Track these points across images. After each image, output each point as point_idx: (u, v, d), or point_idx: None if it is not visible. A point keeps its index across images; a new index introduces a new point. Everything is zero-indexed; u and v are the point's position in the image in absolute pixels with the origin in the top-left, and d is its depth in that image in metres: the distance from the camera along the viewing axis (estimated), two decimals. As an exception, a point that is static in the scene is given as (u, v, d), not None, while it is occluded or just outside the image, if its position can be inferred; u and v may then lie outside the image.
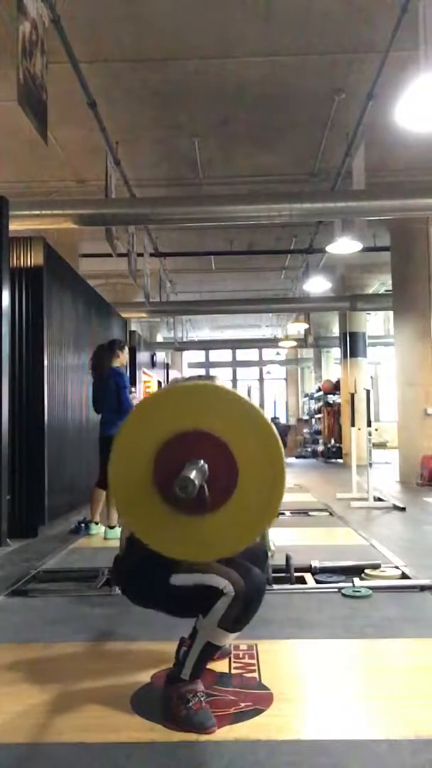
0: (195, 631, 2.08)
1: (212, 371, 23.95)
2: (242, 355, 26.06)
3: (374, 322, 18.83)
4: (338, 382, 16.21)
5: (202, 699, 2.04)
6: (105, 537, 5.34)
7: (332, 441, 16.39)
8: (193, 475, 1.75)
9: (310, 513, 6.72)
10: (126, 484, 1.92)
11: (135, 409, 2.02)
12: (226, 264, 12.68)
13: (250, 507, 1.89)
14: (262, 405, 25.17)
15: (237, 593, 1.97)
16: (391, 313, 11.71)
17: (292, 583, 3.60)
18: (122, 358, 5.67)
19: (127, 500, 1.94)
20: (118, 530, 4.81)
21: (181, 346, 19.39)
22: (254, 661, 2.53)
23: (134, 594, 2.29)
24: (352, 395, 9.53)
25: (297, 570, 3.73)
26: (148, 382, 14.54)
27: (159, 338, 19.87)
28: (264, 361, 25.26)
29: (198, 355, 25.78)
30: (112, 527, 5.34)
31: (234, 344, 23.63)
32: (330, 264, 12.02)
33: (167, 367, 17.12)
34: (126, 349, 5.78)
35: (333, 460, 15.93)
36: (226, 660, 2.53)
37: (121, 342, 5.91)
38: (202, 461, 1.84)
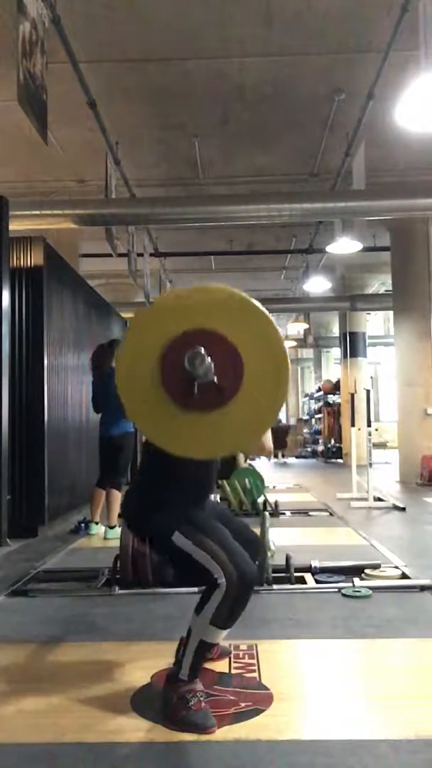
0: (189, 630, 2.09)
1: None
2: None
3: (374, 322, 18.83)
4: (338, 382, 16.22)
5: (201, 699, 2.04)
6: (105, 537, 5.34)
7: (332, 441, 16.39)
8: (207, 360, 1.80)
9: (310, 513, 6.72)
10: (133, 384, 1.94)
11: (142, 312, 2.05)
12: (226, 264, 12.67)
13: (254, 406, 1.91)
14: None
15: (228, 588, 1.99)
16: (391, 313, 11.71)
17: (292, 583, 3.60)
18: None
19: (134, 400, 1.95)
20: (118, 530, 4.81)
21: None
22: (254, 661, 2.53)
23: (137, 529, 2.32)
24: (352, 395, 9.52)
25: (297, 570, 3.73)
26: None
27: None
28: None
29: (198, 355, 25.71)
30: (112, 527, 5.34)
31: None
32: (330, 264, 12.02)
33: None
34: None
35: (333, 460, 15.93)
36: (226, 660, 2.53)
37: (121, 342, 5.93)
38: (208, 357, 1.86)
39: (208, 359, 1.81)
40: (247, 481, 6.61)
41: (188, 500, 2.23)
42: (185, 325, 1.90)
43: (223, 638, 2.13)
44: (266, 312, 1.96)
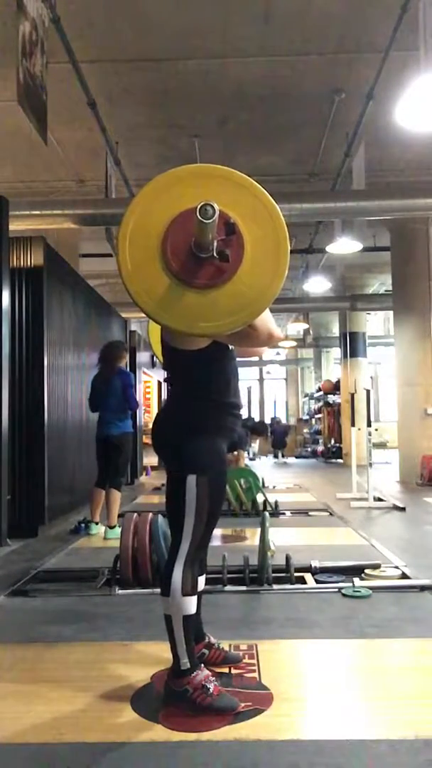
0: (165, 617, 2.12)
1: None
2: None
3: (374, 322, 18.82)
4: (338, 382, 16.22)
5: (216, 683, 2.11)
6: (105, 537, 5.34)
7: (332, 441, 16.39)
8: (210, 204, 1.79)
9: (310, 513, 6.72)
10: (137, 262, 1.93)
11: (145, 188, 2.01)
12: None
13: (254, 284, 1.93)
14: (262, 405, 25.20)
15: (188, 558, 2.11)
16: (391, 313, 11.71)
17: (292, 583, 3.60)
18: (125, 360, 5.80)
19: (139, 278, 1.94)
20: (118, 530, 4.81)
21: (181, 346, 19.33)
22: (254, 661, 2.53)
23: (161, 446, 2.32)
24: (352, 395, 9.53)
25: (297, 570, 3.73)
26: (148, 383, 14.54)
27: (159, 338, 19.84)
28: (264, 361, 25.25)
29: (198, 355, 25.70)
30: (112, 527, 5.34)
31: (234, 344, 23.57)
32: (330, 264, 12.02)
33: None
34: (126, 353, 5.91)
35: (333, 460, 15.93)
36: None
37: (124, 344, 6.00)
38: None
39: (217, 212, 1.79)
40: (243, 481, 6.62)
41: (226, 411, 2.24)
42: (180, 205, 1.91)
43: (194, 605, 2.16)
44: (265, 191, 1.98)
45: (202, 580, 2.35)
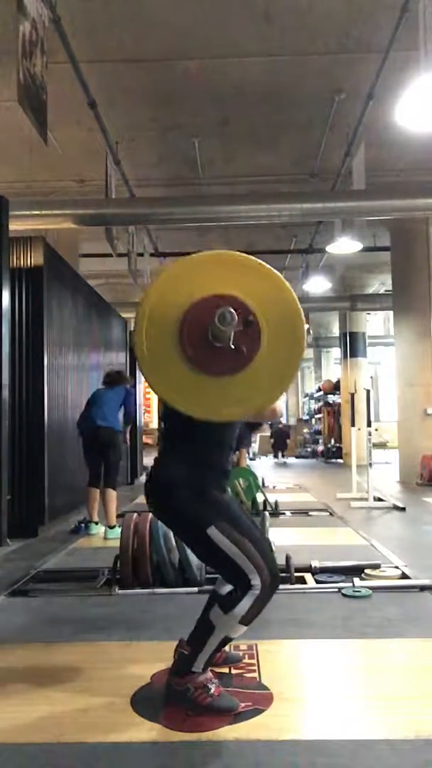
0: (209, 623, 2.09)
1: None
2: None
3: (374, 322, 18.82)
4: (338, 382, 16.22)
5: (218, 684, 2.12)
6: (105, 537, 5.34)
7: (332, 441, 16.39)
8: (229, 310, 1.82)
9: (310, 513, 6.72)
10: (152, 348, 1.95)
11: (162, 274, 2.03)
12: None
13: (271, 371, 1.95)
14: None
15: (262, 590, 2.05)
16: (391, 313, 11.71)
17: (292, 583, 3.60)
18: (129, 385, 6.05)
19: (154, 365, 1.97)
20: (118, 530, 4.81)
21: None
22: (254, 661, 2.53)
23: (161, 509, 2.25)
24: (352, 395, 9.53)
25: (297, 570, 3.73)
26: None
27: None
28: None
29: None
30: (111, 527, 5.34)
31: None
32: (330, 264, 12.01)
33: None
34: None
35: (333, 460, 15.93)
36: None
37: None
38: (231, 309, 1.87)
39: (236, 319, 1.83)
40: (242, 480, 6.62)
41: (219, 477, 2.22)
42: (200, 291, 1.92)
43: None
44: (278, 273, 1.99)
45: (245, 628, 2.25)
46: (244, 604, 2.05)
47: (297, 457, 19.18)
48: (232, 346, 1.88)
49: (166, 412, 2.27)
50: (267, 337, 1.93)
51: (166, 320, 1.93)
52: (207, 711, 2.06)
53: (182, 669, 2.13)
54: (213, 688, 2.10)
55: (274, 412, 2.21)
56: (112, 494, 5.50)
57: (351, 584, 3.54)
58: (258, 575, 2.05)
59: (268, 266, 2.00)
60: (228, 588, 2.12)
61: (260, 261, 2.01)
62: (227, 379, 1.93)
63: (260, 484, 7.05)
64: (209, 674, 2.14)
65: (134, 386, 6.32)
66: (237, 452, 7.46)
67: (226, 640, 2.14)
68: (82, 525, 5.69)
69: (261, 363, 1.93)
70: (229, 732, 1.96)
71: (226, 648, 2.53)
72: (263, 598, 2.07)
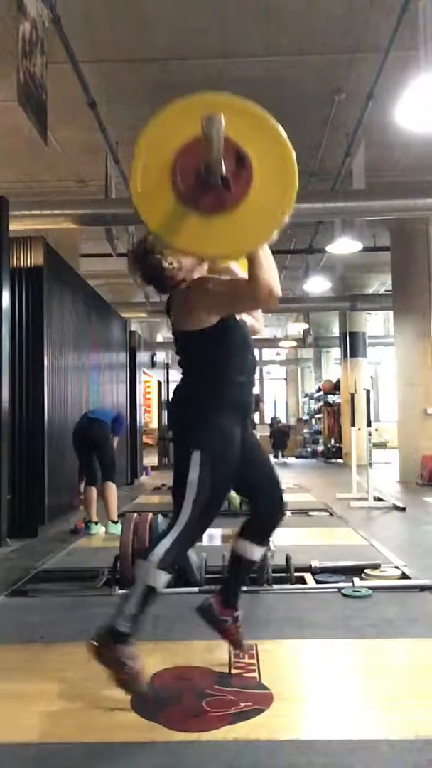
0: (133, 578, 2.15)
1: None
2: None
3: (374, 322, 18.81)
4: (338, 382, 16.21)
5: (135, 664, 2.06)
6: (107, 532, 5.34)
7: (332, 441, 16.38)
8: (219, 116, 1.85)
9: (310, 513, 6.72)
10: (148, 183, 1.98)
11: (159, 114, 2.09)
12: (226, 264, 12.64)
13: (261, 213, 1.96)
14: (261, 405, 25.18)
15: (184, 530, 2.14)
16: (391, 313, 11.71)
17: (292, 583, 3.60)
18: None
19: (148, 198, 1.98)
20: (119, 526, 4.81)
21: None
22: (254, 661, 2.52)
23: (174, 425, 2.37)
24: (352, 395, 9.53)
25: (297, 570, 3.73)
26: (148, 382, 14.54)
27: (159, 338, 19.87)
28: (264, 361, 25.25)
29: (198, 355, 25.68)
30: (114, 521, 5.34)
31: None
32: (330, 264, 12.00)
33: (167, 367, 17.12)
34: None
35: (333, 460, 15.93)
36: (226, 660, 2.52)
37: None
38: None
39: (223, 124, 1.84)
40: None
41: (238, 404, 2.26)
42: (194, 131, 1.92)
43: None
44: (281, 130, 2.01)
45: (261, 552, 2.46)
46: (164, 544, 2.11)
47: (297, 457, 19.17)
48: (224, 178, 1.89)
49: (178, 346, 2.35)
50: (259, 177, 1.94)
51: (160, 157, 1.96)
52: (116, 683, 2.05)
53: (111, 629, 2.08)
54: (130, 666, 2.05)
55: (271, 293, 2.09)
56: (111, 487, 5.50)
57: (351, 584, 3.54)
58: (186, 521, 2.13)
59: (265, 113, 2.05)
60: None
61: (258, 107, 2.06)
62: (217, 218, 1.94)
63: None
64: (133, 650, 2.07)
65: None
66: None
67: (149, 591, 2.10)
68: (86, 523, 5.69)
69: (251, 204, 1.94)
70: (229, 732, 1.96)
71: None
72: (182, 541, 2.15)
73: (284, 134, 2.00)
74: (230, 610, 2.42)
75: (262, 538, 2.45)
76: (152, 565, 2.09)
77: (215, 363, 2.24)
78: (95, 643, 2.08)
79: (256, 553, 2.42)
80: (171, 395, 2.39)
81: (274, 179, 1.96)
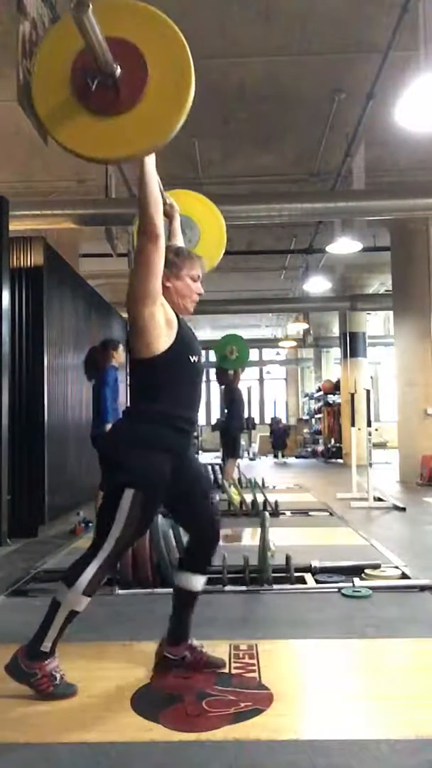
0: (55, 602, 2.19)
1: (212, 372, 23.89)
2: (242, 355, 25.97)
3: (374, 322, 18.81)
4: (338, 382, 16.21)
5: (63, 674, 2.20)
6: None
7: (332, 441, 16.38)
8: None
9: (310, 513, 6.72)
10: (48, 97, 2.00)
11: (53, 28, 2.18)
12: (226, 264, 12.64)
13: (159, 105, 1.99)
14: (262, 405, 25.20)
15: (108, 558, 2.18)
16: (391, 313, 11.71)
17: (292, 583, 3.60)
18: (118, 358, 5.37)
19: (51, 111, 2.00)
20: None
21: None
22: (254, 661, 2.53)
23: (108, 456, 2.36)
24: (352, 395, 9.53)
25: (297, 570, 3.73)
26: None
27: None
28: (264, 361, 25.26)
29: (198, 355, 25.69)
30: None
31: (234, 344, 23.55)
32: (330, 264, 12.01)
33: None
34: (121, 348, 5.39)
35: (333, 460, 15.92)
36: (226, 660, 2.52)
37: (114, 341, 5.57)
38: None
39: (91, 6, 1.81)
40: (230, 347, 6.60)
41: (175, 436, 2.26)
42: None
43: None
44: (175, 28, 2.11)
45: (202, 581, 2.36)
46: (88, 573, 2.15)
47: (297, 457, 19.16)
48: (115, 79, 1.91)
49: (133, 373, 2.36)
50: (155, 81, 1.98)
51: (63, 55, 1.97)
52: (47, 698, 2.13)
53: (32, 651, 2.18)
54: (59, 678, 2.17)
55: (156, 201, 2.25)
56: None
57: (351, 584, 3.54)
58: (110, 550, 2.17)
59: (158, 12, 2.10)
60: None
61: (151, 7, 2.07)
62: (107, 119, 1.96)
63: (260, 483, 7.06)
64: (56, 663, 2.19)
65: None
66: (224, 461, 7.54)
67: (72, 615, 2.19)
68: (84, 525, 5.69)
69: (141, 111, 1.96)
70: (229, 732, 1.96)
71: (226, 648, 2.54)
72: (105, 569, 2.19)
73: (182, 39, 2.09)
74: (184, 645, 2.41)
75: (202, 567, 2.41)
76: (78, 593, 2.16)
77: (154, 394, 2.24)
78: (17, 662, 2.20)
79: (198, 583, 2.39)
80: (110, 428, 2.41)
81: (168, 92, 2.01)
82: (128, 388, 2.26)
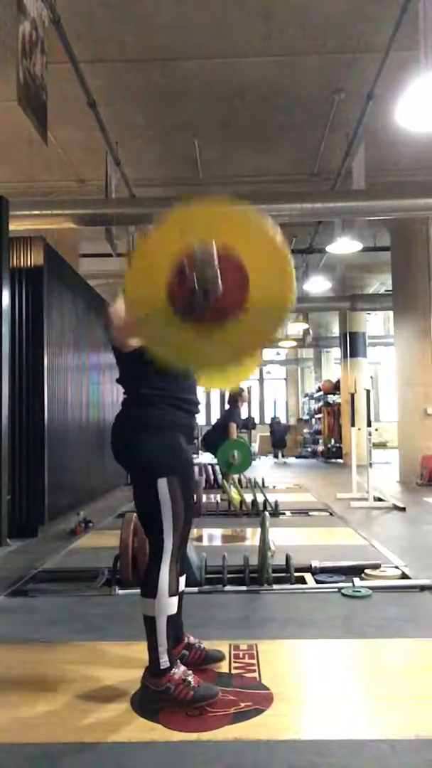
0: (148, 617, 2.14)
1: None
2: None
3: (374, 322, 18.82)
4: (338, 382, 16.22)
5: (194, 676, 2.15)
6: None
7: (332, 441, 16.38)
8: (215, 265, 1.78)
9: (310, 513, 6.72)
10: (141, 301, 1.90)
11: (152, 230, 2.01)
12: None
13: (261, 317, 1.87)
14: (262, 405, 25.20)
15: (173, 552, 2.15)
16: (391, 313, 11.72)
17: (292, 583, 3.60)
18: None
19: (143, 314, 1.91)
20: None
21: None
22: (254, 661, 2.53)
23: (129, 457, 2.29)
24: (352, 395, 9.53)
25: (297, 570, 3.73)
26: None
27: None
28: (264, 361, 25.24)
29: (198, 355, 25.67)
30: None
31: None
32: (330, 264, 12.01)
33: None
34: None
35: (333, 460, 15.92)
36: (226, 660, 2.52)
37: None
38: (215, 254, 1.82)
39: (216, 261, 1.78)
40: (235, 453, 6.63)
41: (181, 425, 2.27)
42: (195, 236, 1.85)
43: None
44: (281, 241, 1.90)
45: (182, 580, 2.37)
46: (164, 577, 2.12)
47: (297, 457, 19.16)
48: (215, 293, 1.81)
49: (118, 366, 2.34)
50: (254, 287, 1.84)
51: (155, 267, 1.87)
52: (191, 704, 2.08)
53: (154, 670, 2.14)
54: (192, 681, 2.12)
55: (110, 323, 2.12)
56: None
57: (351, 584, 3.54)
58: (171, 544, 2.15)
59: (259, 216, 1.92)
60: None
61: (250, 210, 1.95)
62: (205, 329, 1.85)
63: (260, 483, 7.06)
64: (183, 667, 2.17)
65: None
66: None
67: (171, 619, 2.15)
68: (85, 524, 5.69)
69: (241, 321, 1.85)
70: (229, 732, 1.96)
71: (226, 648, 2.54)
72: (175, 563, 2.17)
73: (281, 241, 1.88)
74: (181, 644, 2.42)
75: (181, 566, 2.32)
76: (164, 598, 2.12)
77: (154, 381, 2.22)
78: (146, 689, 2.16)
79: (181, 583, 2.33)
80: (114, 422, 2.34)
81: (271, 282, 1.85)
82: (120, 378, 2.20)
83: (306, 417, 21.70)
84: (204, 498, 6.87)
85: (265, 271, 1.86)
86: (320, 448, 17.59)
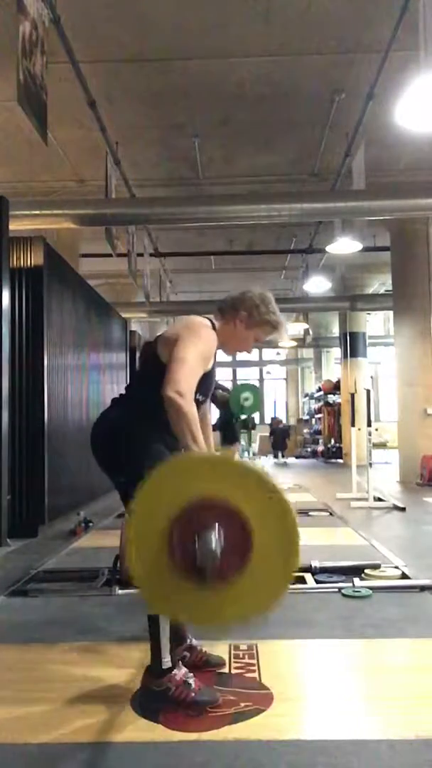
0: (153, 619, 2.11)
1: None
2: (242, 354, 25.92)
3: (374, 322, 18.82)
4: (338, 382, 16.22)
5: (195, 678, 2.14)
6: None
7: (332, 441, 16.38)
8: (214, 545, 1.69)
9: (310, 513, 6.71)
10: (143, 557, 1.79)
11: (150, 479, 1.80)
12: (226, 264, 12.67)
13: (262, 581, 1.79)
14: (261, 405, 25.19)
15: None
16: (391, 313, 11.72)
17: (292, 583, 3.59)
18: None
19: (144, 573, 1.81)
20: None
21: (182, 346, 19.30)
22: (254, 661, 2.52)
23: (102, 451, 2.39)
24: (352, 395, 9.52)
25: (297, 570, 3.73)
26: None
27: (159, 338, 19.83)
28: (264, 361, 25.25)
29: (198, 355, 25.65)
30: None
31: (234, 344, 23.52)
32: (330, 264, 12.02)
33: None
34: None
35: (333, 460, 15.92)
36: (226, 660, 2.52)
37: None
38: (216, 529, 1.73)
39: (216, 543, 1.70)
40: (244, 395, 6.66)
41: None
42: (193, 492, 1.74)
43: None
44: (285, 496, 1.78)
45: None
46: None
47: (297, 457, 19.17)
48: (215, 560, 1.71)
49: (147, 365, 2.31)
50: (256, 554, 1.73)
51: (155, 522, 1.74)
52: (190, 707, 2.07)
53: (156, 670, 2.13)
54: (193, 683, 2.12)
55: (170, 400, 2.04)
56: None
57: (351, 584, 3.54)
58: None
59: (264, 474, 1.79)
60: None
61: (256, 468, 1.84)
62: (207, 588, 1.75)
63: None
64: (185, 669, 2.16)
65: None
66: (232, 448, 7.46)
67: (175, 622, 2.16)
68: (86, 524, 5.69)
69: (251, 573, 1.75)
70: (229, 732, 1.96)
71: (226, 648, 2.54)
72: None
73: (287, 500, 1.77)
74: (183, 645, 2.40)
75: None
76: None
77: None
78: (147, 688, 2.14)
79: None
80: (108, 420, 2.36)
81: (275, 543, 1.76)
82: (149, 378, 2.14)
83: (306, 417, 21.70)
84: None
85: (269, 537, 1.75)
86: (320, 448, 17.59)
